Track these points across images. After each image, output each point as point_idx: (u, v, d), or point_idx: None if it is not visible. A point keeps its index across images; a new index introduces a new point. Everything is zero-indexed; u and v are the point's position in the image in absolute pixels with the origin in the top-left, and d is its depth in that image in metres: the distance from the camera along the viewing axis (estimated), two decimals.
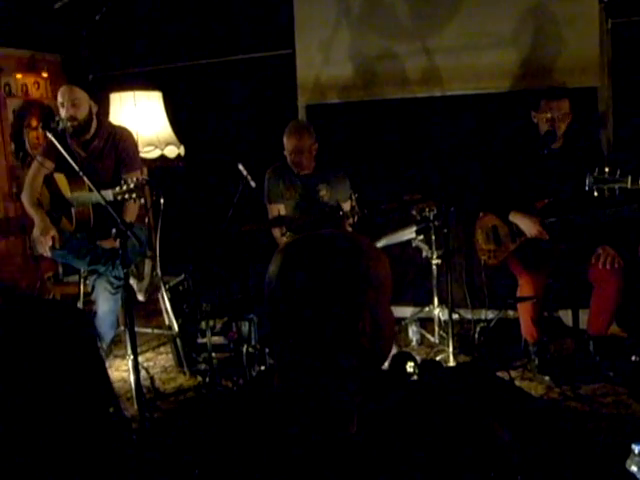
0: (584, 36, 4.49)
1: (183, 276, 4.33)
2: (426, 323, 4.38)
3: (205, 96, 5.40)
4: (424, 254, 4.14)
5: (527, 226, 3.72)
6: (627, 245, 3.38)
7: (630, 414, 3.23)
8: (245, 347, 3.66)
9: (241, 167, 3.86)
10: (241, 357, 3.65)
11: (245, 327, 3.83)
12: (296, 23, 5.00)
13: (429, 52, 4.78)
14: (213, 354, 3.75)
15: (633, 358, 3.72)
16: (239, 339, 3.78)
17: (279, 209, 4.21)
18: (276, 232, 4.09)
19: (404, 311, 4.66)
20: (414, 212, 3.97)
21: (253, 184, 3.87)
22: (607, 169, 2.99)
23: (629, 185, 2.95)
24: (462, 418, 1.27)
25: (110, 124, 4.23)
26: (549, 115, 3.74)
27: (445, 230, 3.86)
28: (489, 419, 1.32)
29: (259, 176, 4.12)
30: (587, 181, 3.02)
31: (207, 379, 3.74)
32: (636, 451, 2.35)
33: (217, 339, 3.92)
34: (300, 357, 1.21)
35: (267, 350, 3.63)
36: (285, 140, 4.14)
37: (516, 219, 3.77)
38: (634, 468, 2.36)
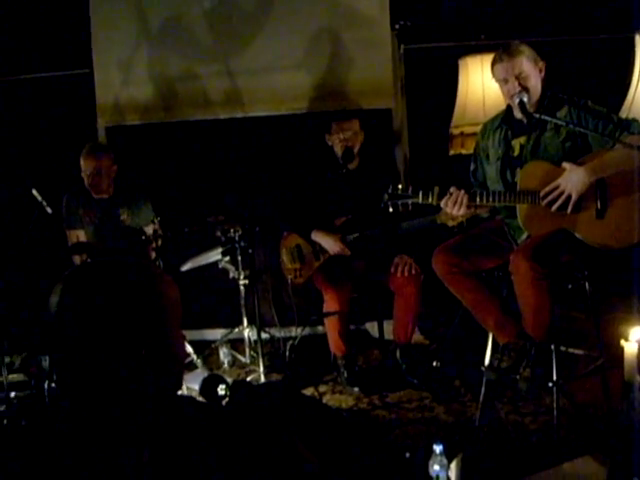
0: (378, 60, 4.73)
1: None
2: (237, 344, 4.35)
3: None
4: (231, 275, 4.12)
5: (329, 244, 3.84)
6: (423, 253, 3.56)
7: (434, 417, 3.39)
8: (47, 383, 3.44)
9: (35, 193, 3.68)
10: (43, 394, 3.44)
11: (46, 362, 3.61)
12: (93, 42, 4.81)
13: (230, 74, 4.79)
14: (12, 393, 3.50)
15: (434, 364, 3.92)
16: (40, 375, 3.56)
17: (78, 235, 4.04)
18: (76, 259, 3.92)
19: (214, 333, 4.61)
20: (219, 233, 3.95)
21: (49, 210, 3.70)
22: (400, 186, 3.13)
23: (420, 200, 3.11)
24: (267, 440, 1.26)
25: None
26: (341, 136, 3.91)
27: (250, 250, 3.88)
28: (294, 440, 1.33)
29: (56, 201, 3.94)
30: (382, 198, 3.15)
31: (5, 421, 3.48)
32: (437, 451, 2.48)
33: (16, 376, 3.67)
34: (84, 387, 1.18)
35: None
36: (82, 162, 3.99)
37: (318, 238, 3.88)
38: (436, 467, 2.49)
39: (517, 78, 3.05)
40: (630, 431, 2.03)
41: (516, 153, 3.18)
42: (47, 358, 3.60)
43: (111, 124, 4.91)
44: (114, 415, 1.17)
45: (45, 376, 3.51)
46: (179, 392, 1.35)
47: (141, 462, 1.13)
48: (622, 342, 2.14)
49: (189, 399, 1.40)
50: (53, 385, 3.43)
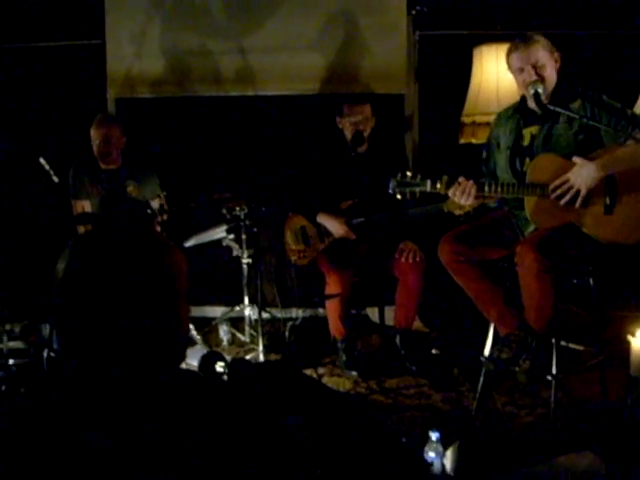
0: (392, 46, 4.70)
1: None
2: (237, 322, 4.35)
3: (6, 83, 5.03)
4: (234, 253, 4.11)
5: (334, 227, 3.83)
6: (428, 241, 3.56)
7: (430, 404, 3.40)
8: (46, 351, 3.45)
9: (43, 161, 3.68)
10: (42, 362, 3.45)
11: (46, 330, 3.61)
12: (107, 13, 4.78)
13: (243, 51, 4.77)
14: (11, 360, 3.51)
15: (433, 351, 3.93)
16: (39, 343, 3.57)
17: (84, 205, 4.04)
18: (81, 229, 3.91)
19: (215, 311, 4.62)
20: (224, 211, 3.93)
21: (56, 179, 3.70)
22: (409, 173, 3.12)
23: (428, 189, 3.10)
24: (262, 416, 1.26)
25: None
26: (352, 119, 3.90)
27: (255, 229, 3.87)
28: (289, 415, 1.33)
29: (63, 171, 3.94)
30: (390, 184, 3.14)
31: (3, 387, 3.49)
32: (433, 438, 2.49)
33: (15, 344, 3.67)
34: (87, 354, 1.18)
35: None
36: (93, 131, 4.01)
37: (323, 220, 3.87)
38: (432, 454, 2.50)
39: (533, 67, 3.03)
40: (634, 426, 2.03)
41: (526, 142, 3.17)
42: (47, 326, 3.61)
43: (121, 96, 4.89)
44: (116, 385, 1.17)
45: (44, 344, 3.52)
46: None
47: (139, 433, 1.13)
48: (629, 337, 2.14)
49: (191, 373, 1.39)
50: (52, 354, 3.44)
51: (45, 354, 3.43)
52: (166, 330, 1.21)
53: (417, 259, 3.77)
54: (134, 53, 4.82)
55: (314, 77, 4.74)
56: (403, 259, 3.78)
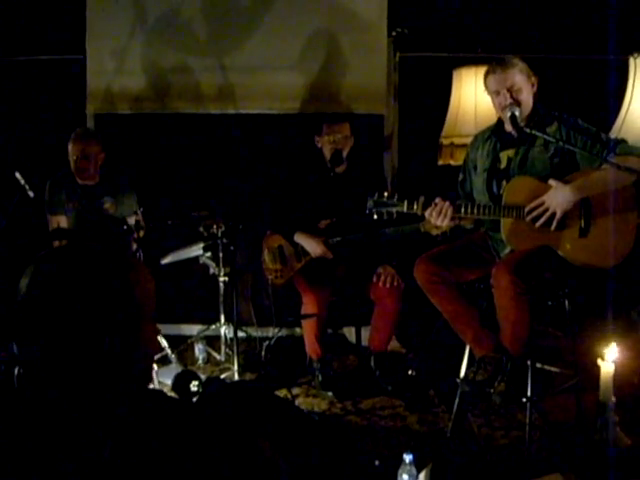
0: (373, 66, 4.72)
1: None
2: (213, 341, 4.32)
3: None
4: (211, 271, 4.10)
5: (311, 246, 3.82)
6: (405, 261, 3.56)
7: (406, 425, 3.38)
8: (17, 369, 3.39)
9: (18, 175, 3.64)
10: (12, 380, 3.39)
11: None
12: (88, 28, 4.76)
13: (224, 69, 4.77)
14: None
15: (410, 372, 3.91)
16: (10, 360, 3.51)
17: (59, 221, 4.00)
18: (56, 244, 3.87)
19: (190, 329, 4.58)
20: (201, 229, 3.92)
21: (31, 194, 3.66)
22: (386, 193, 3.12)
23: (405, 209, 3.10)
24: (229, 437, 1.25)
25: None
26: (331, 138, 3.90)
27: (232, 248, 3.86)
28: (256, 437, 1.31)
29: (39, 186, 3.90)
30: (367, 204, 3.13)
31: None
32: (407, 460, 2.47)
33: None
34: (47, 373, 1.20)
35: None
36: (70, 146, 3.97)
37: (301, 239, 3.86)
38: (405, 476, 2.48)
39: (509, 90, 3.06)
40: (604, 450, 2.02)
41: (503, 165, 3.19)
42: None
43: (100, 111, 4.87)
44: (75, 404, 1.16)
45: (15, 361, 3.46)
46: (150, 386, 1.33)
47: (102, 455, 1.11)
48: (599, 361, 2.14)
49: (158, 393, 1.37)
50: (22, 371, 3.36)
51: (16, 371, 3.37)
52: (127, 351, 1.20)
53: (395, 284, 3.76)
54: (115, 69, 4.80)
55: (294, 96, 4.75)
56: (381, 283, 3.77)
